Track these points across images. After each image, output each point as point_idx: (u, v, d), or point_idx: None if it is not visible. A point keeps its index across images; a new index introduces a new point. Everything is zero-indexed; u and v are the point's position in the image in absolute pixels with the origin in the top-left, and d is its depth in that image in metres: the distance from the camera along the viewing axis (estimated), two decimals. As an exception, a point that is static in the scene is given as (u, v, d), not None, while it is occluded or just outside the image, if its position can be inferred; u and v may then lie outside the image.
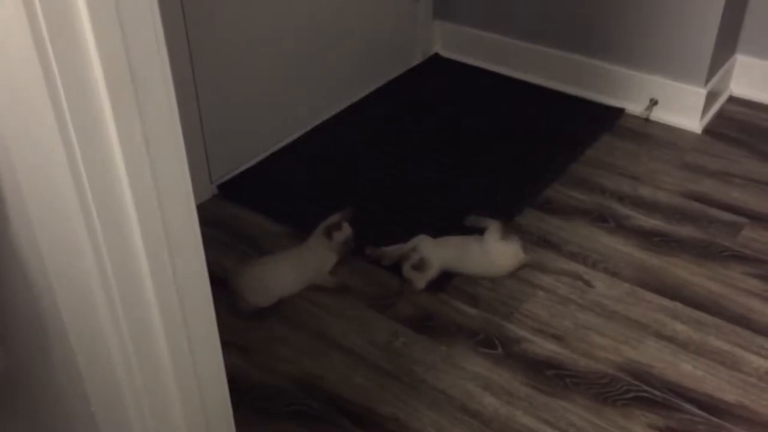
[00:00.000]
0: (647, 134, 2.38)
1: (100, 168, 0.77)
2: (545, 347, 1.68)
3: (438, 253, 1.83)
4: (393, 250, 1.88)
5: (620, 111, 2.47)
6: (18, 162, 0.83)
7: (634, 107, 2.45)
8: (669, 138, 2.36)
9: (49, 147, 0.75)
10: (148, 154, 0.78)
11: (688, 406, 1.54)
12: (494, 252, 1.84)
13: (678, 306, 1.77)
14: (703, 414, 1.53)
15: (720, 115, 2.45)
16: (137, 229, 0.82)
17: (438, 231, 1.96)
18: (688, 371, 1.62)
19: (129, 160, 0.77)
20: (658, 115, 2.42)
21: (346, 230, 1.85)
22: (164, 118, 0.79)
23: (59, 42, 0.69)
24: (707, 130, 2.39)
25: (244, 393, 1.58)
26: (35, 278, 0.95)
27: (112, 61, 0.72)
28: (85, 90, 0.72)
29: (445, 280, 1.85)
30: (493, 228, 1.85)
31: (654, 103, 2.41)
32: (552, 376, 1.61)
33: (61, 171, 0.76)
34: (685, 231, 1.99)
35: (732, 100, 2.53)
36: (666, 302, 1.78)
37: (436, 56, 2.81)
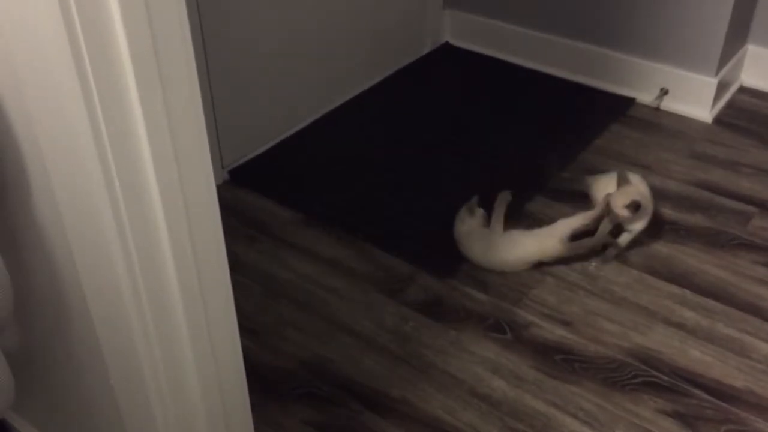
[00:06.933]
0: (657, 123, 2.38)
1: (123, 140, 0.78)
2: (554, 332, 1.69)
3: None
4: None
5: (631, 100, 2.47)
6: (41, 134, 0.84)
7: (645, 96, 2.45)
8: (679, 127, 2.36)
9: (74, 119, 0.76)
10: (169, 127, 0.79)
11: (696, 392, 1.55)
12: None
13: (687, 293, 1.78)
14: (712, 399, 1.53)
15: (730, 105, 2.45)
16: (159, 202, 0.83)
17: (447, 220, 1.97)
18: (697, 357, 1.62)
19: (152, 133, 0.78)
20: (669, 104, 2.42)
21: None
22: (186, 91, 0.80)
23: (86, 15, 0.70)
24: (717, 120, 2.39)
25: (254, 375, 1.58)
26: (57, 253, 0.96)
27: (136, 34, 0.73)
28: (110, 62, 0.73)
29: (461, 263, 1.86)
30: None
31: (664, 92, 2.41)
32: (560, 360, 1.62)
33: (86, 143, 0.77)
34: (695, 219, 1.99)
35: (743, 90, 2.53)
36: (675, 289, 1.79)
37: (447, 45, 2.81)
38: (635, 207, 1.78)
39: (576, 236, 1.83)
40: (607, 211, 1.83)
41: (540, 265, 1.84)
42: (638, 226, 1.84)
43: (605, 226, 1.85)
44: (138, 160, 0.80)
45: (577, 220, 1.85)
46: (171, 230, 0.86)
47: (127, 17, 0.72)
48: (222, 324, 1.01)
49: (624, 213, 1.79)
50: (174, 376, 0.97)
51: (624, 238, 1.86)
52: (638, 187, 1.84)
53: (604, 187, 1.89)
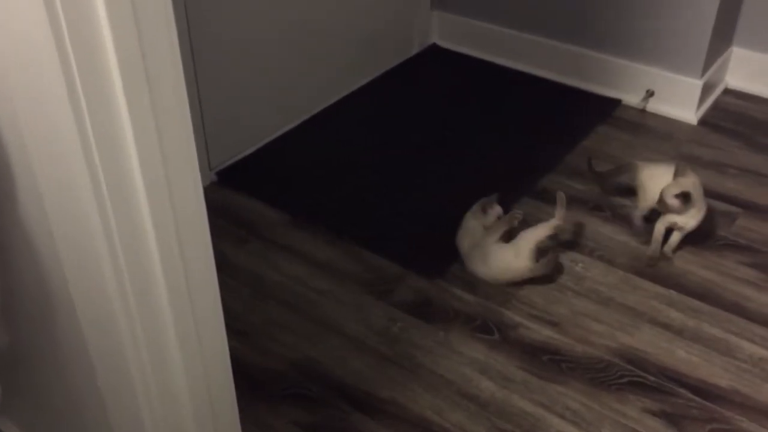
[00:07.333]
0: (643, 125, 2.40)
1: (110, 143, 0.78)
2: (541, 333, 1.69)
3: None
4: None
5: (617, 102, 2.49)
6: (28, 137, 0.84)
7: (631, 98, 2.47)
8: (665, 129, 2.38)
9: (61, 122, 0.76)
10: (156, 129, 0.80)
11: (682, 391, 1.56)
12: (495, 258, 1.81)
13: (673, 294, 1.79)
14: (697, 399, 1.55)
15: (715, 107, 2.47)
16: (145, 204, 0.83)
17: (435, 221, 1.98)
18: (683, 357, 1.64)
19: (138, 135, 0.78)
20: (655, 106, 2.44)
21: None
22: (172, 94, 0.80)
23: (72, 18, 0.70)
24: (703, 122, 2.41)
25: (243, 376, 1.59)
26: (43, 254, 0.96)
27: (123, 37, 0.73)
28: (97, 65, 0.73)
29: (448, 265, 1.86)
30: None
31: (650, 94, 2.43)
32: (548, 361, 1.63)
33: (72, 146, 0.77)
34: (681, 220, 2.00)
35: (727, 92, 2.55)
36: (661, 290, 1.80)
37: (434, 46, 2.82)
38: (685, 198, 1.78)
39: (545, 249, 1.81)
40: (659, 201, 1.82)
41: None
42: (691, 223, 1.83)
43: (662, 224, 1.85)
44: (125, 163, 0.80)
45: (541, 231, 1.80)
46: (158, 231, 0.86)
47: (114, 20, 0.72)
48: (210, 325, 1.01)
49: (674, 202, 1.78)
50: (161, 377, 0.97)
51: (675, 237, 1.86)
52: (693, 181, 1.82)
53: (654, 175, 1.88)
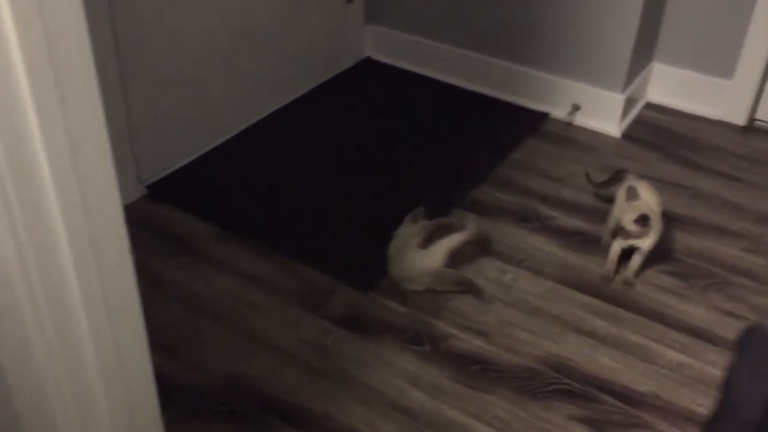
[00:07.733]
0: (570, 138, 2.47)
1: (19, 157, 0.76)
2: (471, 343, 1.73)
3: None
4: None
5: (545, 115, 2.55)
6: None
7: (558, 112, 2.54)
8: (590, 142, 2.46)
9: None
10: (69, 140, 0.78)
11: (605, 397, 1.61)
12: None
13: (597, 302, 1.85)
14: (620, 404, 1.60)
15: (637, 120, 2.57)
16: (61, 226, 0.82)
17: (367, 234, 2.00)
18: (606, 364, 1.69)
19: (50, 148, 0.77)
20: (580, 119, 2.52)
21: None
22: (87, 108, 0.79)
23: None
24: (625, 135, 2.49)
25: (172, 394, 1.56)
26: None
27: (32, 50, 0.72)
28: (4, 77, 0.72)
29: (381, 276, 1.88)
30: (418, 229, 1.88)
31: (576, 108, 2.51)
32: (477, 371, 1.66)
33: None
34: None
35: (648, 106, 2.65)
36: (585, 299, 1.86)
37: (368, 60, 2.84)
38: (644, 220, 1.82)
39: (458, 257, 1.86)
40: (619, 228, 1.85)
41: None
42: (647, 243, 1.86)
43: (618, 244, 1.89)
44: (36, 176, 0.79)
45: (455, 239, 1.86)
46: (74, 252, 0.84)
47: (20, 22, 0.71)
48: (131, 340, 0.99)
49: (633, 228, 1.82)
50: (79, 395, 0.95)
51: (635, 261, 1.89)
52: (646, 202, 1.86)
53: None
